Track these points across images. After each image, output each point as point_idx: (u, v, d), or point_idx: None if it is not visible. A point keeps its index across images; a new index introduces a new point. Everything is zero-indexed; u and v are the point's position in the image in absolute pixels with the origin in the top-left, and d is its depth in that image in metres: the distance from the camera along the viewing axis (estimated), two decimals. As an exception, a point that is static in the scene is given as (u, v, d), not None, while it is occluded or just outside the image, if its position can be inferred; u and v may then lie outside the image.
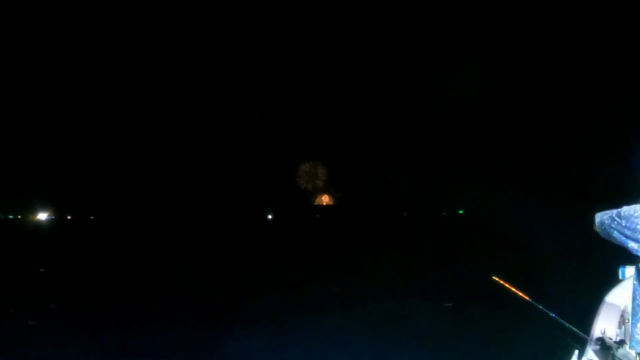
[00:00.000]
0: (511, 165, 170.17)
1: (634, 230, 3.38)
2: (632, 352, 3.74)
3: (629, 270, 4.41)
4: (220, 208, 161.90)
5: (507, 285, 4.28)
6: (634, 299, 3.48)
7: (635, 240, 3.38)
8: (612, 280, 4.57)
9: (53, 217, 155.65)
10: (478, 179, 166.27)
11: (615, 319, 4.27)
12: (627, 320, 4.17)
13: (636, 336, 3.49)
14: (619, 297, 4.39)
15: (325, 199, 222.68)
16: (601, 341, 3.93)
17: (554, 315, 4.05)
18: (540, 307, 4.10)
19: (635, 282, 3.45)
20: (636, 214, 3.40)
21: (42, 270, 26.37)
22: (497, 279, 4.38)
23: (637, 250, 3.42)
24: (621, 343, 3.88)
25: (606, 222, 3.59)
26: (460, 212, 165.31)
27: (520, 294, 4.18)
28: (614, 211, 3.55)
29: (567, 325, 3.95)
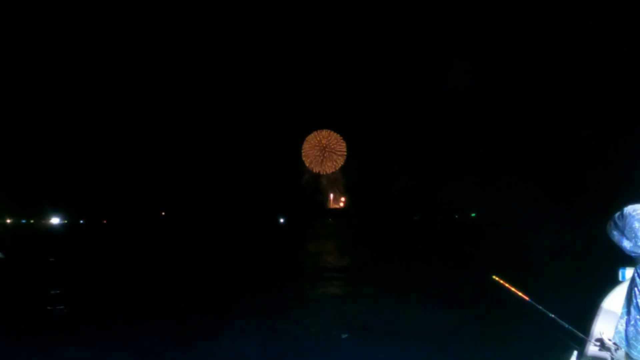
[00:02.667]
0: (519, 168, 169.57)
1: (630, 228, 3.38)
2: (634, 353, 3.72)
3: (629, 272, 4.38)
4: (233, 212, 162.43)
5: (507, 285, 4.26)
6: (632, 296, 3.48)
7: (629, 238, 3.39)
8: (612, 282, 4.55)
9: (66, 221, 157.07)
10: (488, 183, 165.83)
11: (615, 320, 4.24)
12: None
13: (619, 327, 3.51)
14: (618, 298, 4.36)
15: (337, 203, 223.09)
16: (600, 342, 3.89)
17: (553, 315, 4.02)
18: (540, 307, 4.07)
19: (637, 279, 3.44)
20: (634, 213, 3.39)
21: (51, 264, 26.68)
22: (497, 279, 4.35)
23: (628, 249, 3.42)
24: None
25: (610, 222, 3.60)
26: (473, 215, 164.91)
27: (520, 294, 4.15)
28: (618, 212, 3.55)
29: (567, 325, 3.91)
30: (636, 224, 3.35)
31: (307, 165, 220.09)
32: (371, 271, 24.98)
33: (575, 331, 3.94)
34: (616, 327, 3.56)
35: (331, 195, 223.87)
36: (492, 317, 11.54)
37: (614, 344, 3.78)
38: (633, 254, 3.42)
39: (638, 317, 3.35)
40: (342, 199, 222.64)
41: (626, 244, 3.42)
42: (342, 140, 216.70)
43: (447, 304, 14.92)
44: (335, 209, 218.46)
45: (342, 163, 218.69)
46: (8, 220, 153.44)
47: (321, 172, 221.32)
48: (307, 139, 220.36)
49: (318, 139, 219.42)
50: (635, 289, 3.42)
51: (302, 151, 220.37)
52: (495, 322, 11.15)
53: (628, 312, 3.48)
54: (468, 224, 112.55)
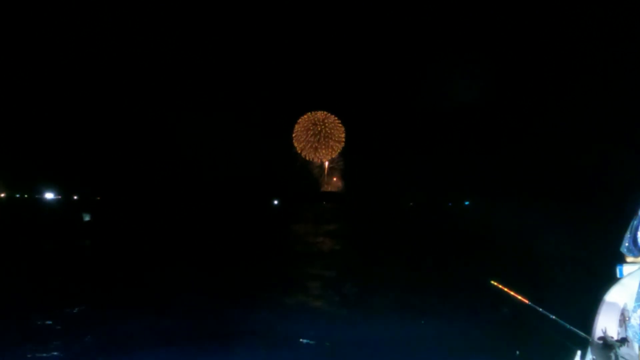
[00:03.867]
0: (515, 164, 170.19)
1: None
2: (635, 350, 3.73)
3: (627, 268, 4.39)
4: (227, 193, 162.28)
5: (505, 289, 4.24)
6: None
7: None
8: (611, 279, 4.54)
9: (60, 197, 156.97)
10: (484, 174, 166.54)
11: (616, 317, 4.24)
12: (627, 318, 4.16)
13: (632, 321, 3.51)
14: (618, 295, 4.37)
15: (331, 186, 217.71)
16: (603, 340, 3.89)
17: (553, 317, 4.02)
18: (540, 309, 4.06)
19: None
20: None
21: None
22: (495, 284, 4.33)
23: None
24: (623, 341, 3.84)
25: (625, 237, 3.63)
26: (466, 203, 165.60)
27: (520, 297, 4.14)
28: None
29: (568, 326, 3.91)
30: None
31: (299, 151, 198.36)
32: (362, 269, 24.58)
33: (577, 331, 3.93)
34: (629, 322, 3.56)
35: (326, 178, 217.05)
36: (490, 319, 11.42)
37: (618, 340, 3.79)
38: None
39: None
40: (337, 182, 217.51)
41: None
42: (340, 125, 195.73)
43: (441, 302, 14.73)
44: (330, 192, 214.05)
45: (339, 150, 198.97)
46: (2, 195, 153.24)
47: (315, 160, 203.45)
48: (299, 121, 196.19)
49: (312, 121, 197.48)
50: None
51: (294, 134, 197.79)
52: (494, 324, 11.04)
53: None
54: (460, 211, 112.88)
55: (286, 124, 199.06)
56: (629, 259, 3.75)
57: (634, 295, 3.72)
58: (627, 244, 3.59)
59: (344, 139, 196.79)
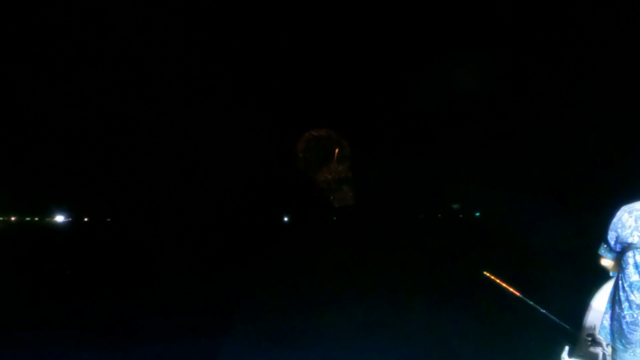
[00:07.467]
0: (515, 164, 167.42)
1: (619, 220, 3.45)
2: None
3: None
4: (234, 209, 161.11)
5: (498, 280, 4.29)
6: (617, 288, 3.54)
7: (614, 229, 3.46)
8: (603, 278, 4.59)
9: (70, 219, 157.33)
10: (491, 184, 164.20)
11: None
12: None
13: (604, 322, 3.57)
14: (609, 293, 4.42)
15: (340, 200, 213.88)
16: (592, 337, 3.96)
17: (544, 310, 4.07)
18: (531, 302, 4.12)
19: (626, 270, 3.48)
20: (626, 208, 3.45)
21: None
22: (488, 274, 4.39)
23: (610, 239, 3.48)
24: (611, 338, 3.90)
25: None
26: (477, 214, 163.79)
27: (511, 289, 4.19)
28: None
29: (558, 321, 3.97)
30: (625, 215, 3.40)
31: (303, 170, 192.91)
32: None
33: (567, 326, 3.99)
34: (601, 322, 3.62)
35: (333, 194, 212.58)
36: (481, 312, 11.41)
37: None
38: (619, 246, 3.46)
39: (621, 311, 3.40)
40: (346, 196, 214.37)
41: (611, 236, 3.47)
42: (343, 143, 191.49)
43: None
44: (339, 207, 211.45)
45: (344, 171, 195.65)
46: (12, 218, 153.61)
47: (320, 182, 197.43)
48: (299, 141, 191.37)
49: (313, 140, 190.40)
50: (620, 282, 3.46)
51: (297, 153, 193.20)
52: (484, 317, 11.03)
53: (612, 307, 3.53)
54: (472, 223, 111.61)
55: (289, 139, 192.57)
56: (605, 260, 3.77)
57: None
58: (604, 246, 3.65)
59: (349, 157, 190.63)
